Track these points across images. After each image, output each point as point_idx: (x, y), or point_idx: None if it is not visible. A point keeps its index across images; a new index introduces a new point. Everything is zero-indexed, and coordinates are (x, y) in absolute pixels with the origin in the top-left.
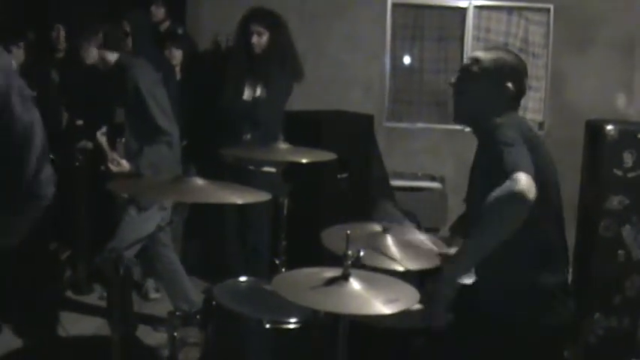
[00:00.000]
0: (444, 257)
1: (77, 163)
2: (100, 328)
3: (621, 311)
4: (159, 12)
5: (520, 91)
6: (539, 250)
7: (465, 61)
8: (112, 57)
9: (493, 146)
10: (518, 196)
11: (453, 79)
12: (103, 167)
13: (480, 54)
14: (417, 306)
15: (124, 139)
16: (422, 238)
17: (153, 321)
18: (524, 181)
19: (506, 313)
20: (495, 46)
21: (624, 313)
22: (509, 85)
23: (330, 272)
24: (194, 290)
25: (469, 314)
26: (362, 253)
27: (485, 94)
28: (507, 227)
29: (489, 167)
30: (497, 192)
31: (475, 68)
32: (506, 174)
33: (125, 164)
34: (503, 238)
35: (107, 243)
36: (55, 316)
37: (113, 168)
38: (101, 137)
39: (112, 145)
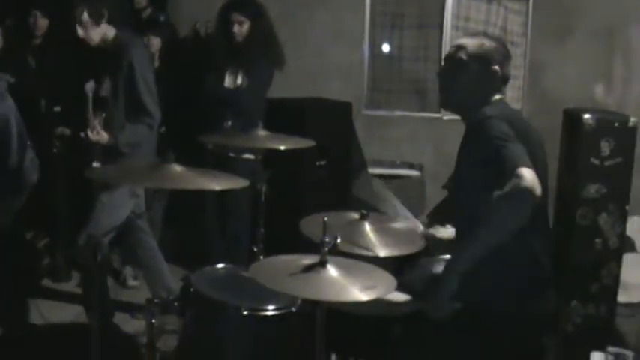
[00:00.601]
0: (431, 239)
1: (55, 150)
2: (78, 316)
3: (598, 299)
4: None
5: (506, 75)
6: (523, 238)
7: (450, 49)
8: (111, 33)
9: (486, 140)
10: (525, 194)
11: (439, 70)
12: (82, 135)
13: (464, 41)
14: (404, 296)
15: (104, 115)
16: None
17: (131, 308)
18: (529, 177)
19: (485, 301)
20: (476, 33)
21: (601, 301)
22: (497, 68)
23: (308, 259)
24: (172, 277)
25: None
26: (338, 240)
27: (474, 80)
28: (514, 225)
29: (480, 159)
30: (503, 190)
31: (461, 55)
32: (507, 170)
33: (104, 135)
34: (508, 235)
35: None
36: (33, 304)
37: (92, 136)
38: (89, 91)
39: (94, 114)
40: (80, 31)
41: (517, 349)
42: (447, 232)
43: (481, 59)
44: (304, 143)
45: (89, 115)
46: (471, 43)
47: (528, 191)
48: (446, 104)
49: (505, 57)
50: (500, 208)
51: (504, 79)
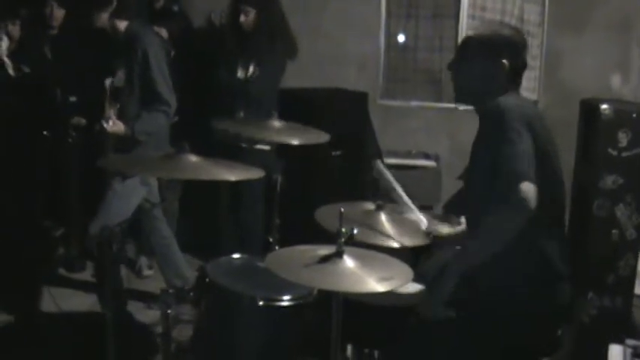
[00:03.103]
0: (437, 237)
1: (70, 140)
2: (93, 306)
3: (615, 291)
4: None
5: (518, 66)
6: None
7: (460, 41)
8: (122, 25)
9: (500, 133)
10: (524, 213)
11: (450, 62)
12: (97, 126)
13: (474, 32)
14: (418, 286)
15: (119, 105)
16: (417, 215)
17: (146, 298)
18: (531, 194)
19: (501, 294)
20: (491, 22)
21: (617, 293)
22: (505, 61)
23: (324, 250)
24: (186, 266)
25: (462, 289)
26: (355, 231)
27: (481, 71)
28: (509, 237)
29: (491, 155)
30: (503, 206)
31: (469, 47)
32: (511, 180)
33: (120, 125)
34: (503, 243)
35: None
36: (47, 293)
37: (108, 127)
38: (109, 86)
39: (110, 105)
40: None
41: (533, 343)
42: (450, 228)
43: (488, 51)
44: (319, 137)
45: (106, 107)
46: (480, 34)
47: (527, 210)
48: (457, 96)
49: (519, 47)
50: (498, 223)
51: (517, 70)
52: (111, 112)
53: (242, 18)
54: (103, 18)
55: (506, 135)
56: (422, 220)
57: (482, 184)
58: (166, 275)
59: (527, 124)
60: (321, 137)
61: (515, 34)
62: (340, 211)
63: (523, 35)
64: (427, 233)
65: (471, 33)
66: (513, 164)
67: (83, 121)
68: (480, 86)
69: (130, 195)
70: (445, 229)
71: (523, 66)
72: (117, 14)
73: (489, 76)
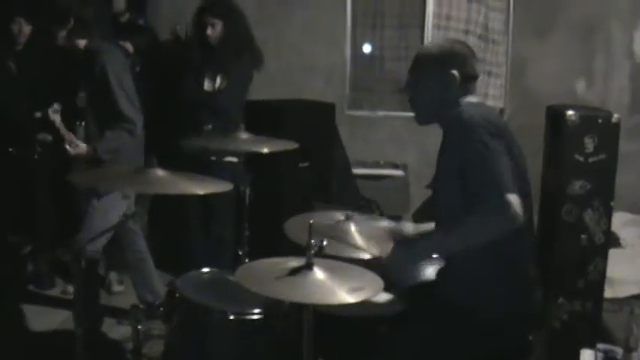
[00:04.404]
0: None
1: (36, 156)
2: (63, 323)
3: (585, 295)
4: (119, 3)
5: (469, 75)
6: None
7: (412, 61)
8: (81, 43)
9: (467, 145)
10: (509, 224)
11: (404, 86)
12: (62, 147)
13: (419, 52)
14: (387, 296)
15: (83, 124)
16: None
17: (116, 314)
18: (515, 206)
19: (472, 301)
20: (440, 39)
21: (588, 297)
22: (454, 72)
23: (294, 262)
24: (159, 282)
25: (434, 302)
26: (325, 243)
27: (434, 86)
28: (484, 242)
29: (460, 165)
30: (487, 214)
31: (417, 67)
32: (493, 190)
33: (83, 146)
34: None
35: (72, 236)
36: (17, 311)
37: (70, 150)
38: (54, 115)
39: (71, 127)
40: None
41: (504, 349)
42: (417, 228)
43: (436, 65)
44: (287, 145)
45: (63, 132)
46: (424, 53)
47: (512, 221)
48: (419, 118)
49: (465, 57)
50: (478, 226)
51: (469, 79)
52: (71, 136)
53: (209, 30)
54: (62, 36)
55: (476, 148)
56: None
57: (451, 193)
58: (139, 290)
59: (496, 134)
60: (289, 145)
61: (457, 45)
62: (310, 223)
63: (466, 45)
64: (390, 233)
65: (417, 53)
66: (490, 172)
67: (49, 137)
68: (437, 101)
69: (110, 209)
70: (408, 229)
71: (472, 76)
72: (75, 33)
73: (442, 89)
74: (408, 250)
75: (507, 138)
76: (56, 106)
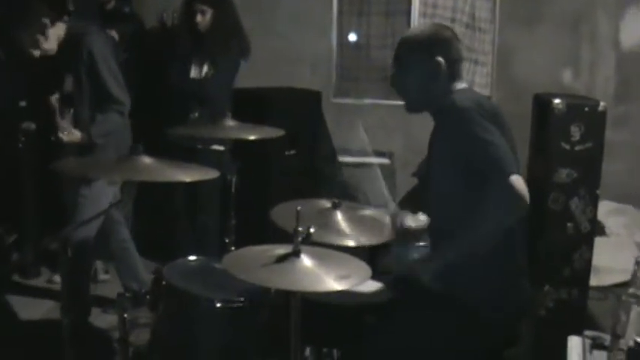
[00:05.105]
0: (399, 227)
1: (20, 145)
2: (49, 312)
3: (571, 283)
4: None
5: (454, 60)
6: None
7: (394, 52)
8: (61, 30)
9: (465, 133)
10: (520, 206)
11: (390, 78)
12: (53, 138)
13: (401, 40)
14: (376, 284)
15: (72, 110)
16: (375, 213)
17: (102, 303)
18: (521, 187)
19: (461, 290)
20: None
21: (574, 285)
22: (440, 59)
23: (281, 249)
24: (144, 270)
25: (422, 290)
26: (312, 230)
27: (420, 76)
28: (500, 230)
29: (459, 152)
30: (493, 197)
31: (401, 57)
32: (496, 174)
33: (76, 133)
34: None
35: (58, 225)
36: (2, 301)
37: (64, 137)
38: (55, 102)
39: (62, 114)
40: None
41: (492, 338)
42: (417, 220)
43: (421, 53)
44: (274, 133)
45: (57, 120)
46: (406, 40)
47: (522, 202)
48: (408, 107)
49: (449, 41)
50: (493, 219)
51: (455, 64)
52: (64, 123)
53: (198, 18)
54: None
55: (475, 135)
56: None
57: (444, 181)
58: (123, 279)
59: (491, 118)
60: (276, 132)
61: (439, 29)
62: (297, 209)
63: (449, 29)
64: (392, 224)
65: (398, 42)
66: (493, 157)
67: (33, 125)
68: (425, 89)
69: (100, 196)
70: (410, 222)
71: (458, 60)
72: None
73: (430, 80)
74: (429, 267)
75: (500, 123)
76: (57, 94)
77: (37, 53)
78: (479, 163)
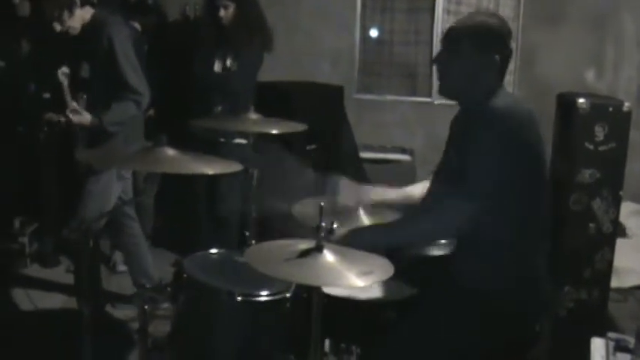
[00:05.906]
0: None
1: (42, 136)
2: (68, 302)
3: (591, 284)
4: None
5: (507, 60)
6: (523, 225)
7: (446, 31)
8: (87, 14)
9: (481, 138)
10: (444, 233)
11: (435, 55)
12: (62, 118)
13: (459, 23)
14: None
15: (85, 96)
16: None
17: (122, 294)
18: (457, 217)
19: (483, 289)
20: (477, 12)
21: (594, 286)
22: (497, 57)
23: (304, 244)
24: (153, 266)
25: (443, 288)
26: (335, 226)
27: (472, 69)
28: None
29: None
30: (450, 209)
31: (458, 40)
32: (470, 189)
33: (87, 115)
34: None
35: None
36: (21, 291)
37: (73, 118)
38: (62, 76)
39: (75, 96)
40: (62, 24)
41: (512, 337)
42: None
43: (480, 47)
44: (296, 127)
45: (67, 98)
46: (467, 26)
47: (447, 232)
48: (442, 90)
49: (507, 37)
50: (427, 226)
51: (506, 64)
52: (74, 103)
53: (221, 12)
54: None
55: (486, 142)
56: None
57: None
58: (134, 274)
59: (515, 134)
60: (298, 127)
61: (501, 23)
62: (321, 205)
63: (507, 23)
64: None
65: (456, 24)
66: (478, 179)
67: (56, 117)
68: (470, 84)
69: (107, 191)
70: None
71: (510, 55)
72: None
73: (480, 74)
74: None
75: (525, 136)
76: (65, 68)
77: (58, 27)
78: (464, 165)
